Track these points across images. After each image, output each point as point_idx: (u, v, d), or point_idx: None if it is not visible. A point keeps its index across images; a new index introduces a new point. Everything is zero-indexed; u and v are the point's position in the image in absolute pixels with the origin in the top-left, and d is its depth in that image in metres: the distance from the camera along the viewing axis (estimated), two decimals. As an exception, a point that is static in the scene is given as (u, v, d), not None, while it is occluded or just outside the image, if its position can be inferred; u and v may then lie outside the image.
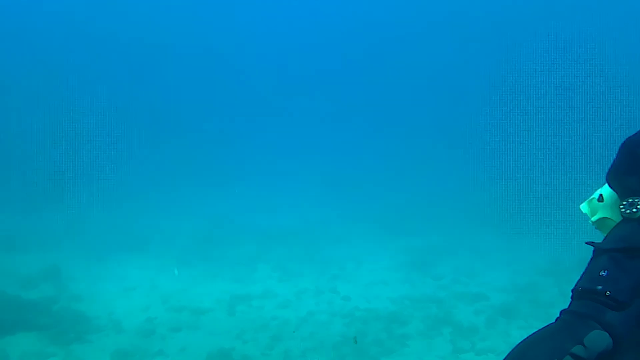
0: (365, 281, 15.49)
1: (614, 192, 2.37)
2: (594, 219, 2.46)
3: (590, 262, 2.17)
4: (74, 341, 11.98)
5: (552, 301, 13.42)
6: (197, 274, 16.64)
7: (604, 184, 2.45)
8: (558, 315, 2.11)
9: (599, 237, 2.37)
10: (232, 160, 29.75)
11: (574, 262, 16.48)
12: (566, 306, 2.11)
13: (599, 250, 2.16)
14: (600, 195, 2.44)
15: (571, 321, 2.01)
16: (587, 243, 2.25)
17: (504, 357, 1.99)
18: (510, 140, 31.52)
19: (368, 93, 42.28)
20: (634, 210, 2.18)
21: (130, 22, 38.51)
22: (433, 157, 34.02)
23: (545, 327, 2.06)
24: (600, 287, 2.01)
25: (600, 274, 2.04)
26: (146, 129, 32.90)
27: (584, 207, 2.52)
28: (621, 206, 2.24)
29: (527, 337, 2.05)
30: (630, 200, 2.22)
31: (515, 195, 25.35)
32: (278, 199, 24.41)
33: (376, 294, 14.41)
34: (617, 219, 2.30)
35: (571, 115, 31.69)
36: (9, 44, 34.19)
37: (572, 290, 2.14)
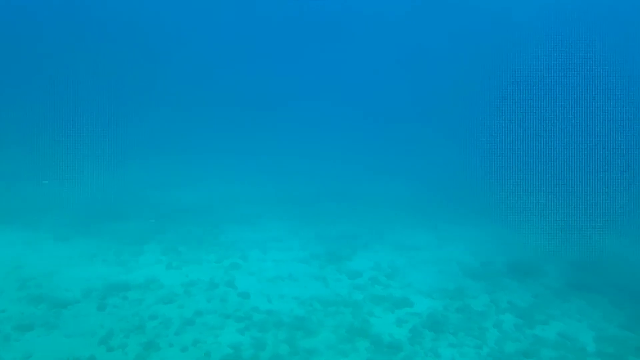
0: (270, 275, 13.09)
1: None
2: None
3: None
4: None
5: (483, 311, 11.56)
6: (73, 252, 13.82)
7: None
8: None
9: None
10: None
11: (507, 265, 14.86)
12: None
13: None
14: None
15: None
16: None
17: None
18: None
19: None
20: None
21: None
22: (354, 137, 32.37)
23: None
24: None
25: None
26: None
27: None
28: None
29: None
30: None
31: (444, 184, 23.81)
32: (180, 172, 21.63)
33: (281, 292, 12.07)
34: None
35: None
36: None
37: None
